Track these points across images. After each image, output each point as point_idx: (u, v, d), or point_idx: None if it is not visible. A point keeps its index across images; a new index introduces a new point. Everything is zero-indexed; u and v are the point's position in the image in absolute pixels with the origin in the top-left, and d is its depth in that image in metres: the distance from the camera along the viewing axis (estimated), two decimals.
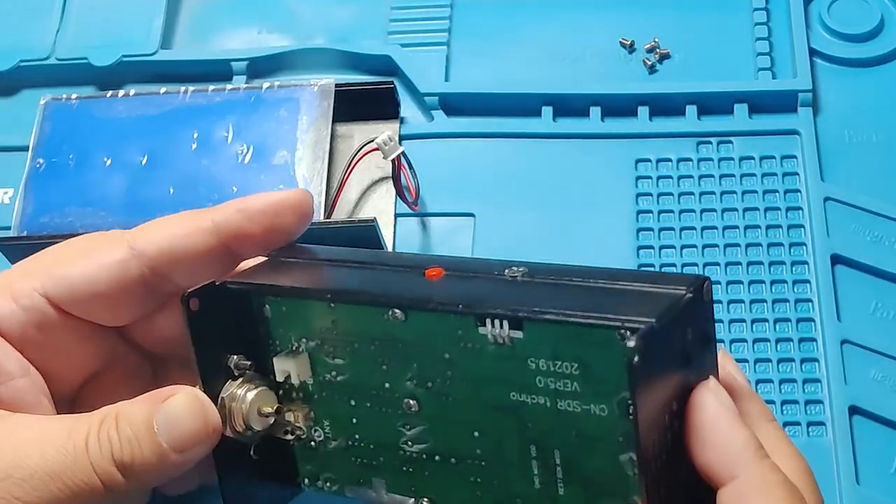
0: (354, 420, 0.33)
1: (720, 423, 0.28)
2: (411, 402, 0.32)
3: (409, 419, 0.32)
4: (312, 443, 0.34)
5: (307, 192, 0.35)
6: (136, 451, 0.30)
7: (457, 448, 0.32)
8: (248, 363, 0.33)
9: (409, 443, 0.32)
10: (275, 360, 0.33)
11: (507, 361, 0.30)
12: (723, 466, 0.28)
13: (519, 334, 0.29)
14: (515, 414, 0.30)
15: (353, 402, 0.33)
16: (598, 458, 0.29)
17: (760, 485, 0.27)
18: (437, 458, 0.32)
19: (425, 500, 0.33)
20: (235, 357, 0.33)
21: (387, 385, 0.32)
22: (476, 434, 0.31)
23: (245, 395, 0.33)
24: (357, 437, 0.33)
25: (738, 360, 0.43)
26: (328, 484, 0.34)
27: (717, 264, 0.46)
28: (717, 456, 0.28)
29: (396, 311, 0.31)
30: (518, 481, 0.30)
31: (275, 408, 0.33)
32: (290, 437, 0.34)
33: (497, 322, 0.29)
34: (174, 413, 0.31)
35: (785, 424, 0.42)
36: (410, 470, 0.33)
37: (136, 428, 0.30)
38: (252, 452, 0.34)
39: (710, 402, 0.28)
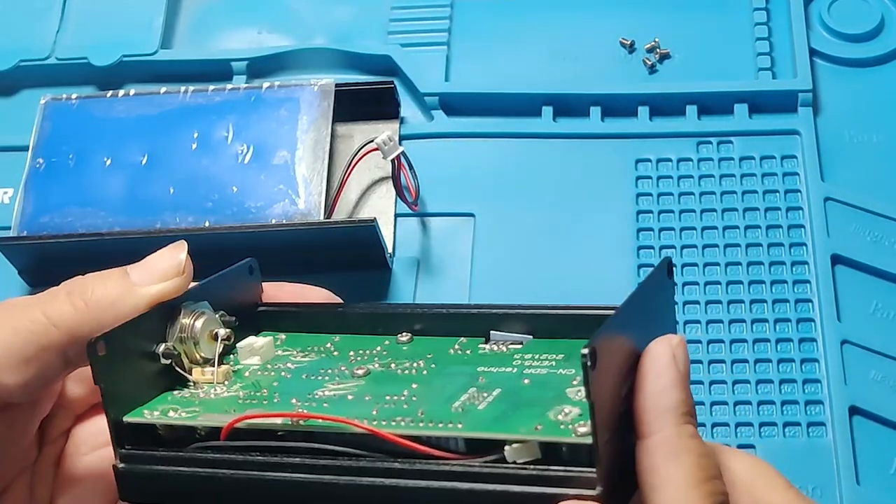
0: (275, 383, 0.32)
1: (662, 377, 0.27)
2: (358, 371, 0.31)
3: (343, 379, 0.31)
4: (202, 393, 0.32)
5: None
6: (87, 279, 0.31)
7: (382, 393, 0.30)
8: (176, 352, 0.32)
9: (327, 391, 0.31)
10: (241, 343, 0.33)
11: (490, 356, 0.31)
12: (648, 418, 0.27)
13: (518, 346, 0.30)
14: (471, 374, 0.30)
15: (286, 376, 0.32)
16: (541, 390, 0.28)
17: (672, 446, 0.26)
18: (350, 396, 0.30)
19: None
20: (163, 345, 0.31)
21: (342, 367, 0.32)
22: (414, 385, 0.30)
23: (194, 323, 0.32)
24: (264, 390, 0.32)
25: (738, 361, 0.43)
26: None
27: (717, 264, 0.46)
28: (646, 406, 0.27)
29: (403, 335, 0.32)
30: (432, 402, 0.29)
31: (228, 334, 0.32)
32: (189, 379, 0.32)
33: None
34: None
35: (785, 424, 0.42)
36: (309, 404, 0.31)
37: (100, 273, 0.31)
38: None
39: (662, 355, 0.27)
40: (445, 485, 0.26)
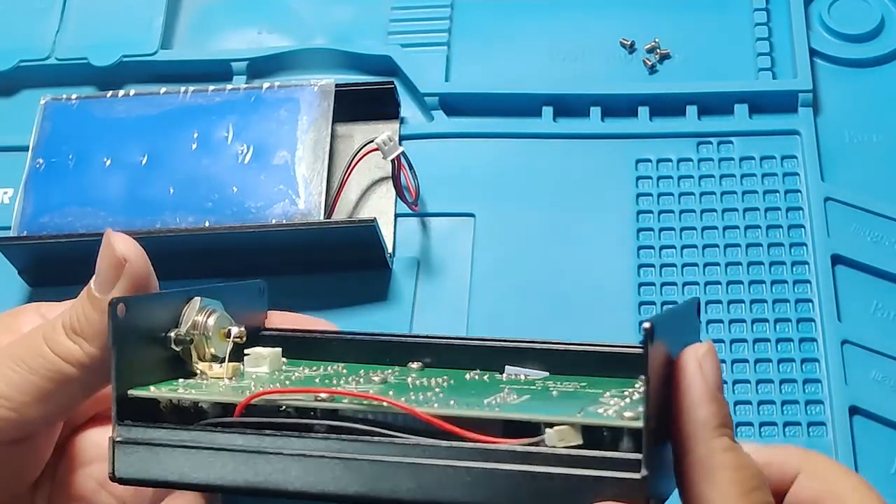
0: (287, 383, 0.31)
1: (690, 392, 0.26)
2: (375, 377, 0.31)
3: (360, 383, 0.30)
4: (210, 384, 0.32)
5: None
6: (75, 309, 0.30)
7: (406, 391, 0.29)
8: (189, 338, 0.32)
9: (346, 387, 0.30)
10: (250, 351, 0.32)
11: (510, 381, 0.30)
12: (682, 437, 0.26)
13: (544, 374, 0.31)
14: (495, 387, 0.30)
15: (298, 378, 0.32)
16: (572, 398, 0.28)
17: (705, 465, 0.26)
18: (371, 391, 0.29)
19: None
20: (175, 331, 0.31)
21: (355, 378, 0.31)
22: (438, 389, 0.29)
23: (207, 318, 0.32)
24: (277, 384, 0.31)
25: (737, 361, 0.43)
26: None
27: (717, 264, 0.46)
28: (679, 423, 0.26)
29: (414, 363, 0.32)
30: (463, 396, 0.29)
31: (241, 332, 0.32)
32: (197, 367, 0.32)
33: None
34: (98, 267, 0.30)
35: (785, 424, 0.42)
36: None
37: (75, 303, 0.31)
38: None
39: (689, 366, 0.26)
40: (483, 465, 0.26)
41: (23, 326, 0.33)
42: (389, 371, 0.32)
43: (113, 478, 0.30)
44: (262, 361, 0.32)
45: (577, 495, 0.25)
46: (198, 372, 0.32)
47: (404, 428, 0.27)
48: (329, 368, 0.33)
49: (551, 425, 0.26)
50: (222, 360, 0.32)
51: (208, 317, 0.32)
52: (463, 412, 0.26)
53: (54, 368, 0.30)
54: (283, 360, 0.33)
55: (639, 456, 0.25)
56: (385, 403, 0.27)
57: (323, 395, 0.28)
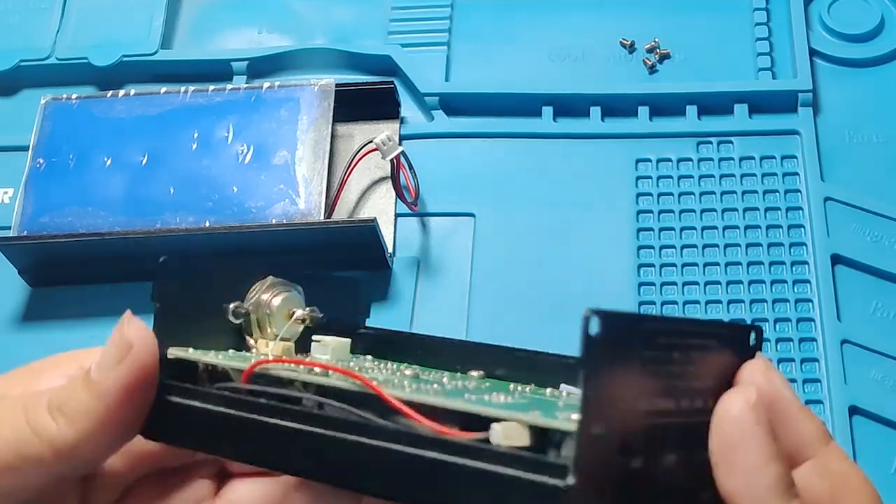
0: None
1: (747, 454, 0.23)
2: (407, 371, 0.30)
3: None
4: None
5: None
6: (67, 386, 0.28)
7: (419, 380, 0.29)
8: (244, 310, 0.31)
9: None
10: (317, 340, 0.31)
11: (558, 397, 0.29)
12: (744, 502, 0.23)
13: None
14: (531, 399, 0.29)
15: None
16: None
17: None
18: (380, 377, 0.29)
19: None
20: (233, 305, 0.30)
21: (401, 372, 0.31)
22: (458, 384, 0.29)
23: (271, 300, 0.31)
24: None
25: None
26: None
27: (717, 264, 0.46)
28: (733, 488, 0.23)
29: (475, 371, 0.31)
30: (463, 388, 0.28)
31: (305, 315, 0.31)
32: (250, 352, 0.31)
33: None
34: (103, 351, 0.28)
35: None
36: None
37: (71, 380, 0.29)
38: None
39: (742, 420, 0.23)
40: (424, 453, 0.24)
41: (53, 378, 0.31)
42: (449, 376, 0.31)
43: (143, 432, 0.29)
44: (325, 349, 0.31)
45: (505, 496, 0.23)
46: (251, 347, 0.31)
47: (382, 413, 0.26)
48: (396, 367, 0.32)
49: (500, 422, 0.24)
50: (286, 341, 0.31)
51: (275, 296, 0.31)
52: (424, 399, 0.25)
53: (22, 441, 0.28)
54: (352, 354, 0.32)
55: (568, 461, 0.22)
56: (353, 380, 0.26)
57: (302, 368, 0.28)
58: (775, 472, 0.23)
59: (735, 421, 0.23)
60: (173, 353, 0.29)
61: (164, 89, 0.50)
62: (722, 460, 0.23)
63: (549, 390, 0.29)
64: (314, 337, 0.32)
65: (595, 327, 0.22)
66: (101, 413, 0.27)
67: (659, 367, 0.24)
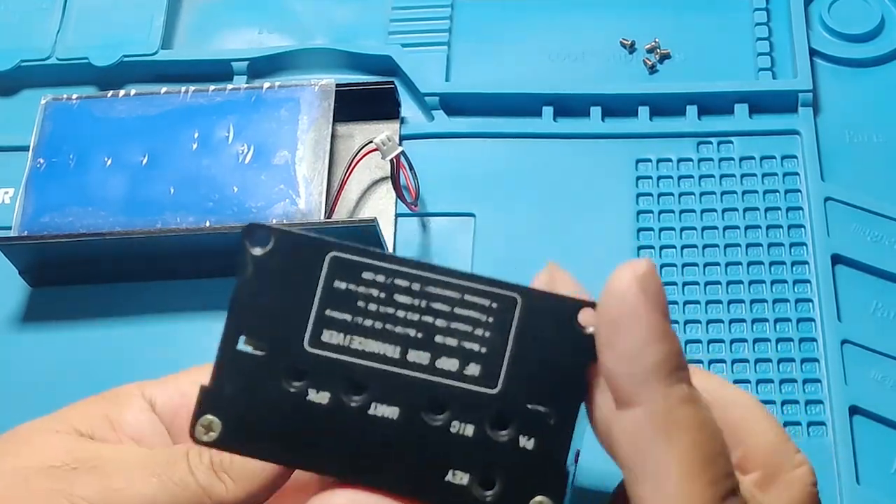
0: None
1: (632, 323, 0.21)
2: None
3: None
4: None
5: None
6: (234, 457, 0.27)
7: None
8: None
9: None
10: None
11: None
12: (621, 384, 0.21)
13: None
14: None
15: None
16: None
17: (658, 422, 0.20)
18: None
19: None
20: None
21: None
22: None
23: None
24: None
25: (738, 361, 0.43)
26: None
27: (718, 264, 0.46)
28: (617, 369, 0.21)
29: None
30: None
31: None
32: None
33: None
34: None
35: (785, 424, 0.42)
36: None
37: None
38: None
39: (628, 293, 0.21)
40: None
41: (128, 413, 0.30)
42: None
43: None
44: None
45: None
46: None
47: None
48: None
49: None
50: None
51: None
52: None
53: (193, 500, 0.27)
54: None
55: None
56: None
57: None
58: (660, 350, 0.21)
59: (618, 296, 0.21)
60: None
61: (164, 89, 0.50)
62: (606, 342, 0.21)
63: None
64: None
65: (259, 241, 0.23)
66: (268, 477, 0.27)
67: (357, 304, 0.24)
